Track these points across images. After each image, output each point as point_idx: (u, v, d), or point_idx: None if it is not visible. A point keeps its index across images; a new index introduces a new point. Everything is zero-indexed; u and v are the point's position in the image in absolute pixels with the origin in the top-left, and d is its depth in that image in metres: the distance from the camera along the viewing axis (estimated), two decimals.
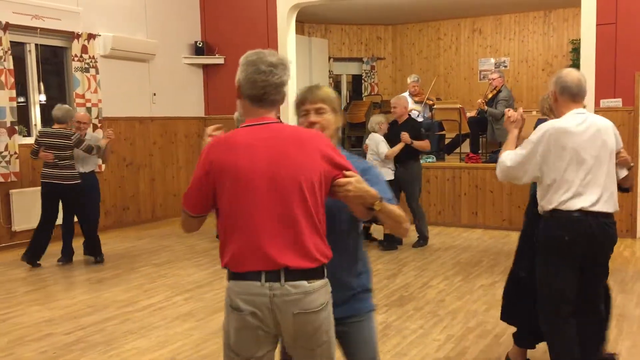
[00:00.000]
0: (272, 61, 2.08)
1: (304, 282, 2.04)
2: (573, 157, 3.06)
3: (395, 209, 2.19)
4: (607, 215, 3.09)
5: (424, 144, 6.95)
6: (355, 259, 2.34)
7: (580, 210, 3.05)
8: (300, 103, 2.28)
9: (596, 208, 3.05)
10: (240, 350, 2.10)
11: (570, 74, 3.17)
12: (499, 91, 8.82)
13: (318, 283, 2.07)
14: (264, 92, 2.09)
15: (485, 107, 8.72)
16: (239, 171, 2.03)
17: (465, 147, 9.20)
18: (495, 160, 8.29)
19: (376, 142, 6.84)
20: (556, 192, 3.10)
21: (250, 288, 2.03)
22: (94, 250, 6.60)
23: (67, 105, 6.53)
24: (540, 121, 5.81)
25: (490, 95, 8.93)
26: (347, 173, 2.07)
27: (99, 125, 8.19)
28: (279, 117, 2.25)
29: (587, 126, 3.09)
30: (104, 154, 6.68)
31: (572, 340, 3.21)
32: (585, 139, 3.07)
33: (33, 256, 6.29)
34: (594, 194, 3.05)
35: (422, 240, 7.10)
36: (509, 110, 3.49)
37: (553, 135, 3.09)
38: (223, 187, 2.05)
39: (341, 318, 2.25)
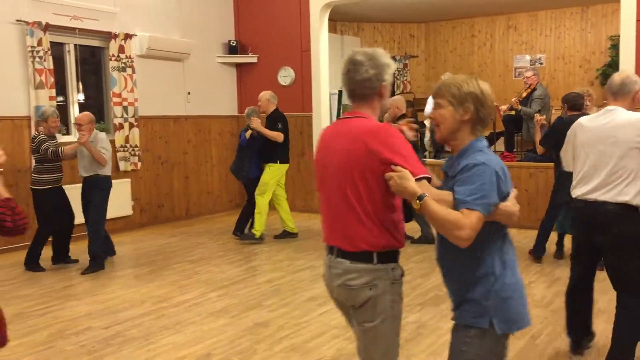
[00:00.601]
0: (357, 59, 2.31)
1: (347, 262, 2.32)
2: (582, 149, 3.44)
3: (443, 213, 2.02)
4: (609, 204, 3.28)
5: None
6: (469, 267, 2.17)
7: (578, 198, 3.44)
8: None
9: (592, 196, 3.34)
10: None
11: (617, 75, 3.48)
12: (534, 89, 8.66)
13: (361, 266, 2.29)
14: (353, 89, 2.34)
15: (519, 107, 8.57)
16: (317, 162, 2.45)
17: (500, 145, 9.08)
18: (529, 159, 8.22)
19: None
20: (572, 180, 3.53)
21: (325, 258, 2.44)
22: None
23: (47, 106, 6.40)
24: (558, 119, 5.86)
25: (524, 94, 8.77)
26: (395, 167, 2.15)
27: (135, 124, 8.34)
28: (378, 110, 2.38)
29: (605, 122, 3.36)
30: (92, 156, 5.96)
31: (569, 307, 3.75)
32: (595, 134, 3.37)
33: (55, 260, 6.42)
34: (592, 183, 3.35)
35: (423, 238, 7.14)
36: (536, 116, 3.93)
37: (574, 130, 3.56)
38: (315, 173, 2.51)
39: (455, 322, 2.28)
